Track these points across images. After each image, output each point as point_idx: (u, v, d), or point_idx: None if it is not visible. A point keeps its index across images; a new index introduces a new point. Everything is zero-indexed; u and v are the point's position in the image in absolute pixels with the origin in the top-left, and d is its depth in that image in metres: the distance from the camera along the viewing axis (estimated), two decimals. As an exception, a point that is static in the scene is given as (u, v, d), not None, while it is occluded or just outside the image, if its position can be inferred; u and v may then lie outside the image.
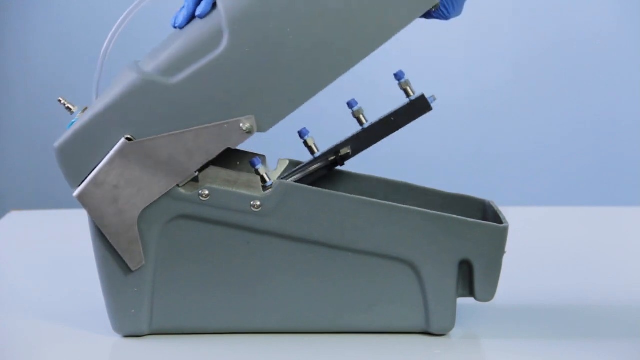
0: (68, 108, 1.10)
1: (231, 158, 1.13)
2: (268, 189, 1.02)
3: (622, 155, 2.92)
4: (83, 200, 1.01)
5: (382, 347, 1.03)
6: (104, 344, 1.03)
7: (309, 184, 1.08)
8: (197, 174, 1.03)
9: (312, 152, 1.10)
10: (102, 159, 1.01)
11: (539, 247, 1.49)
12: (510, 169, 2.92)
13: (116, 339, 1.04)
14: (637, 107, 2.92)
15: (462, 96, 2.84)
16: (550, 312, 1.14)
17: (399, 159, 2.86)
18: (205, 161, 1.01)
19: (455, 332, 1.06)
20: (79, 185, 1.01)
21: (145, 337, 1.05)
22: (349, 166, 1.16)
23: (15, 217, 1.73)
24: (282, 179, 1.08)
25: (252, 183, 1.03)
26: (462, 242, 1.03)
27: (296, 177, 1.11)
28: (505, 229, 1.04)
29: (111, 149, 1.00)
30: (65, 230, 1.65)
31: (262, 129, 1.01)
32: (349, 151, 1.11)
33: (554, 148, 2.89)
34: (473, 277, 1.04)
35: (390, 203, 1.03)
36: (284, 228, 1.02)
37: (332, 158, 1.12)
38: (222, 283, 1.04)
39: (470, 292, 1.05)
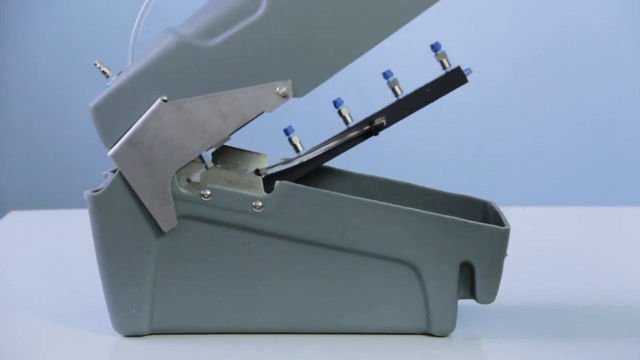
0: (103, 72, 1.10)
1: (233, 157, 1.13)
2: (304, 154, 1.01)
3: (622, 155, 2.92)
4: (117, 160, 1.01)
5: (382, 347, 1.03)
6: (104, 344, 1.03)
7: (343, 152, 1.10)
8: (199, 179, 1.02)
9: (346, 122, 1.10)
10: (138, 119, 1.00)
11: (539, 247, 1.49)
12: (510, 169, 2.93)
13: (116, 339, 1.04)
14: (637, 107, 2.92)
15: (462, 96, 2.84)
16: (550, 312, 1.15)
17: (399, 159, 2.86)
18: (240, 125, 1.01)
19: (455, 332, 1.06)
20: (113, 145, 1.01)
21: (146, 337, 1.05)
22: (350, 165, 1.16)
23: (15, 217, 1.73)
24: (313, 149, 1.08)
25: (254, 184, 1.03)
26: (463, 244, 1.03)
27: (332, 144, 1.10)
28: (507, 232, 1.04)
29: (147, 110, 1.00)
30: (65, 230, 1.65)
31: (298, 94, 1.01)
32: (383, 121, 1.11)
33: (554, 148, 2.90)
34: (474, 279, 1.04)
35: (391, 205, 1.03)
36: (285, 228, 1.02)
37: (367, 128, 1.11)
38: (222, 283, 1.04)
39: (471, 294, 1.05)
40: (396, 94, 1.11)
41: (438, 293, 1.04)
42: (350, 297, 1.04)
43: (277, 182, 1.02)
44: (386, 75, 1.10)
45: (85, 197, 1.03)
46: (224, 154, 1.14)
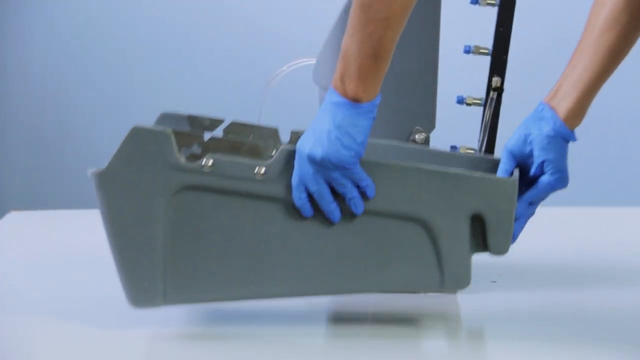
0: None
1: (244, 131, 1.13)
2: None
3: (623, 155, 2.92)
4: None
5: (383, 347, 1.03)
6: (104, 343, 1.03)
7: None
8: (200, 150, 1.02)
9: None
10: None
11: (539, 247, 1.49)
12: (510, 169, 2.92)
13: (117, 336, 1.04)
14: (638, 107, 2.92)
15: (461, 96, 2.83)
16: (550, 312, 1.15)
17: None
18: None
19: (457, 332, 1.06)
20: None
21: (148, 335, 1.05)
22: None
23: (15, 217, 1.73)
24: None
25: (256, 150, 1.03)
26: (472, 196, 1.03)
27: None
28: (514, 182, 1.03)
29: None
30: (65, 230, 1.65)
31: None
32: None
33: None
34: (486, 231, 1.03)
35: (397, 162, 1.02)
36: (289, 193, 1.02)
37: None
38: (231, 251, 1.03)
39: (485, 247, 1.04)
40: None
41: (450, 248, 1.03)
42: (362, 258, 1.03)
43: (279, 148, 1.02)
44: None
45: (89, 175, 1.02)
46: (235, 129, 1.14)
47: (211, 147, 1.03)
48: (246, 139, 1.12)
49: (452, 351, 1.02)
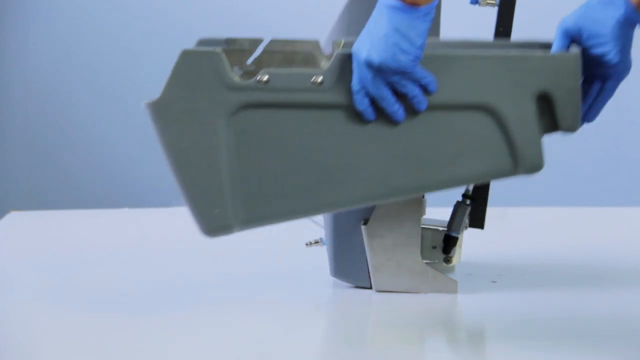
0: None
1: (286, 46, 1.12)
2: None
3: (623, 155, 2.92)
4: None
5: (383, 347, 1.03)
6: (104, 344, 1.03)
7: None
8: (253, 67, 1.01)
9: None
10: None
11: (539, 247, 1.49)
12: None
13: (117, 336, 1.04)
14: (638, 107, 2.92)
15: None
16: (550, 311, 1.15)
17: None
18: None
19: (457, 332, 1.06)
20: None
21: (148, 335, 1.05)
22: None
23: (15, 217, 1.73)
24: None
25: (310, 59, 1.01)
26: (536, 76, 1.02)
27: None
28: (577, 56, 1.02)
29: None
30: (65, 230, 1.65)
31: None
32: None
33: (554, 148, 2.89)
34: (554, 108, 1.03)
35: (457, 52, 1.02)
36: (349, 99, 1.01)
37: None
38: (297, 165, 1.02)
39: (555, 125, 1.04)
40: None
41: (520, 132, 1.02)
42: (430, 155, 1.03)
43: (334, 54, 1.00)
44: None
45: (144, 107, 1.01)
46: (277, 46, 1.12)
47: (264, 62, 1.01)
48: (297, 50, 1.11)
49: (452, 351, 1.02)
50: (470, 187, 1.19)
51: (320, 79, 1.00)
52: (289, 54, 1.03)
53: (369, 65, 0.99)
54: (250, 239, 1.59)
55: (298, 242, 1.32)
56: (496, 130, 1.02)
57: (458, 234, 1.18)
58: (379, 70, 0.99)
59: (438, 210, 1.25)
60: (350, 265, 1.20)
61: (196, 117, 1.00)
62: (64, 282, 1.27)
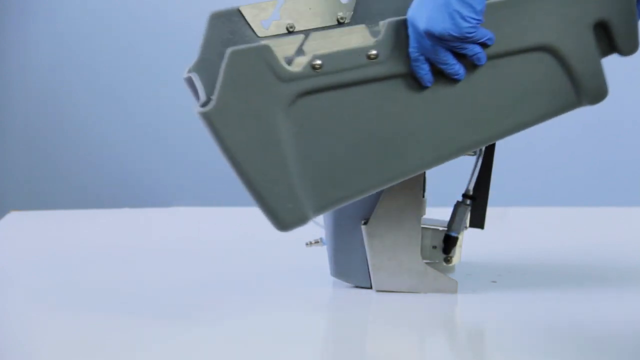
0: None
1: (331, 36, 1.11)
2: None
3: (623, 155, 2.92)
4: None
5: (383, 347, 1.03)
6: (104, 344, 1.03)
7: None
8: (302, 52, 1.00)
9: None
10: None
11: (539, 247, 1.49)
12: (510, 169, 2.93)
13: (118, 336, 1.04)
14: (638, 107, 2.92)
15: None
16: (550, 312, 1.15)
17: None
18: None
19: (457, 332, 1.06)
20: None
21: (148, 334, 1.05)
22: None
23: (15, 217, 1.73)
24: None
25: (357, 33, 1.00)
26: (590, 5, 1.02)
27: None
28: None
29: None
30: (65, 230, 1.65)
31: None
32: None
33: (554, 148, 2.89)
34: (611, 33, 1.03)
35: None
36: (405, 66, 1.00)
37: None
38: (362, 141, 1.01)
39: (612, 49, 1.04)
40: None
41: (581, 63, 1.03)
42: (495, 103, 1.03)
43: (383, 24, 1.00)
44: None
45: (197, 114, 0.98)
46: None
47: (312, 46, 1.00)
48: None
49: (452, 351, 1.02)
50: (471, 187, 1.19)
51: (374, 52, 0.99)
52: (328, 33, 1.02)
53: (430, 34, 0.98)
54: (250, 239, 1.59)
55: (298, 242, 1.32)
56: (557, 67, 1.03)
57: (458, 234, 1.18)
58: (440, 39, 0.98)
59: (438, 210, 1.25)
60: (350, 265, 1.20)
61: (255, 116, 0.99)
62: (64, 282, 1.27)
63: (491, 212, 1.21)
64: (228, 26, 1.08)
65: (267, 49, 0.98)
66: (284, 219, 1.02)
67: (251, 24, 1.05)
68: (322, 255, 1.25)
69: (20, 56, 2.93)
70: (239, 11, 1.09)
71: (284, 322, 1.09)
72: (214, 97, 0.98)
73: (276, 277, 1.28)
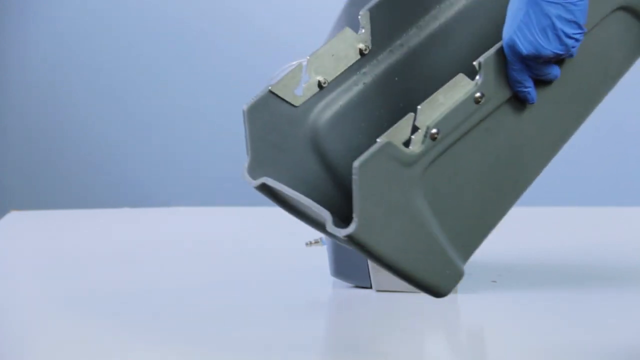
0: None
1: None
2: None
3: (623, 155, 2.92)
4: None
5: (383, 347, 1.03)
6: (104, 344, 1.03)
7: None
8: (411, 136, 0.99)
9: None
10: None
11: (539, 247, 1.49)
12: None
13: (116, 339, 1.04)
14: (638, 107, 2.92)
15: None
16: (551, 312, 1.15)
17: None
18: None
19: (457, 332, 1.06)
20: None
21: (148, 333, 1.05)
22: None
23: (15, 217, 1.73)
24: None
25: (459, 83, 0.99)
26: None
27: None
28: None
29: None
30: (65, 230, 1.65)
31: None
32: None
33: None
34: None
35: None
36: (506, 92, 1.00)
37: None
38: (488, 175, 1.01)
39: None
40: None
41: None
42: (587, 81, 1.04)
43: (477, 63, 0.99)
44: None
45: (342, 237, 0.94)
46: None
47: (422, 119, 0.98)
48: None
49: (452, 351, 1.02)
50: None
51: (479, 94, 0.98)
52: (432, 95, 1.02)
53: (536, 57, 0.98)
54: (250, 239, 1.59)
55: (298, 242, 1.32)
56: (630, 19, 1.04)
57: (458, 234, 1.18)
58: (547, 60, 0.99)
59: (438, 210, 1.25)
60: (350, 265, 1.20)
61: (397, 211, 0.97)
62: (64, 282, 1.27)
63: (491, 212, 1.20)
64: (266, 113, 1.06)
65: (389, 145, 0.96)
66: (446, 287, 1.02)
67: (286, 98, 1.04)
68: (322, 255, 1.25)
69: (20, 56, 2.93)
70: (272, 92, 1.07)
71: (283, 322, 1.09)
72: (355, 215, 0.95)
73: (276, 277, 1.28)
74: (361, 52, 1.04)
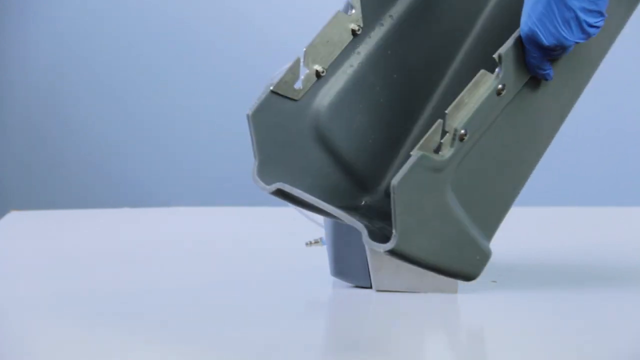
0: None
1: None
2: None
3: (624, 155, 2.92)
4: None
5: (382, 347, 1.03)
6: (104, 344, 1.03)
7: None
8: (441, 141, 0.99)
9: None
10: None
11: (539, 247, 1.49)
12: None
13: (116, 339, 1.04)
14: (638, 107, 2.92)
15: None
16: (551, 311, 1.15)
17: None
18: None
19: (457, 332, 1.06)
20: None
21: (149, 333, 1.05)
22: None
23: (15, 217, 1.73)
24: None
25: (480, 80, 0.99)
26: None
27: None
28: None
29: None
30: (65, 230, 1.65)
31: None
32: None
33: (554, 148, 2.89)
34: None
35: None
36: (525, 76, 1.01)
37: None
38: (508, 156, 1.04)
39: None
40: None
41: None
42: (594, 39, 1.04)
43: (497, 56, 0.99)
44: None
45: (382, 253, 0.98)
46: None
47: (449, 122, 0.99)
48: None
49: (452, 351, 1.02)
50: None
51: (500, 86, 0.99)
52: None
53: (558, 47, 0.99)
54: (250, 239, 1.59)
55: (298, 242, 1.32)
56: None
57: (459, 234, 1.18)
58: (568, 47, 1.00)
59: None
60: (350, 265, 1.20)
61: (433, 217, 0.99)
62: (64, 282, 1.27)
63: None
64: (270, 113, 1.06)
65: (424, 158, 0.98)
66: (476, 271, 1.05)
67: (287, 95, 1.05)
68: (322, 255, 1.25)
69: (20, 56, 2.93)
70: (274, 92, 1.07)
71: (283, 322, 1.09)
72: (395, 230, 0.97)
73: (276, 277, 1.28)
74: (354, 32, 1.05)
